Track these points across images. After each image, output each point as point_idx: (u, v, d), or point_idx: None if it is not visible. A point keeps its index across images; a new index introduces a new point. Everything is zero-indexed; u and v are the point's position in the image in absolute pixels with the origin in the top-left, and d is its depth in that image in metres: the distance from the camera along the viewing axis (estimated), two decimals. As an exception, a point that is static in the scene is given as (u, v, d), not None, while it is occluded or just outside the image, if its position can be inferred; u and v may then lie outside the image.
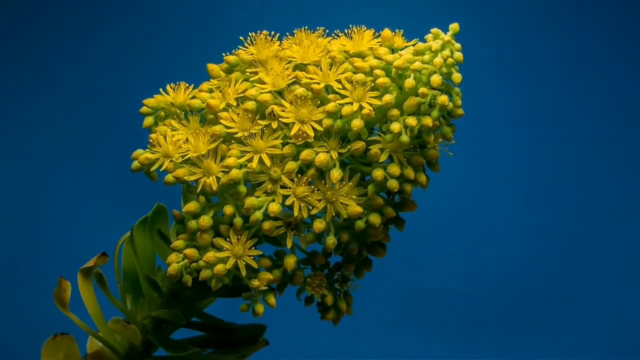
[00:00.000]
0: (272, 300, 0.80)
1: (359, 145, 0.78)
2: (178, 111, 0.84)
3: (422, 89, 0.77)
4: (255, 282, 0.79)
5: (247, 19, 1.67)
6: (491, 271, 1.68)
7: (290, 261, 0.80)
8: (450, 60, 0.79)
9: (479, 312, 1.67)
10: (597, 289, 1.68)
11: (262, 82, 0.81)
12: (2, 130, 1.65)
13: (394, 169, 0.78)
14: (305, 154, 0.77)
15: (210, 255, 0.78)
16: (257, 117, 0.79)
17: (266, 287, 0.79)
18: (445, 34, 0.80)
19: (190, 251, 0.78)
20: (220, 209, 0.79)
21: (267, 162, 0.78)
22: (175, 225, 0.87)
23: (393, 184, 0.78)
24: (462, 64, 0.79)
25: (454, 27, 0.80)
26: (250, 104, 0.80)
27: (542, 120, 1.73)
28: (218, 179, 0.78)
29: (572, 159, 1.72)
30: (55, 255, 1.61)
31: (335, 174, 0.77)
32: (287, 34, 0.85)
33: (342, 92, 0.78)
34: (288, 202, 0.77)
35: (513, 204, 1.71)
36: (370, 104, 0.78)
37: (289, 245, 0.79)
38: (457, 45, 0.80)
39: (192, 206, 0.80)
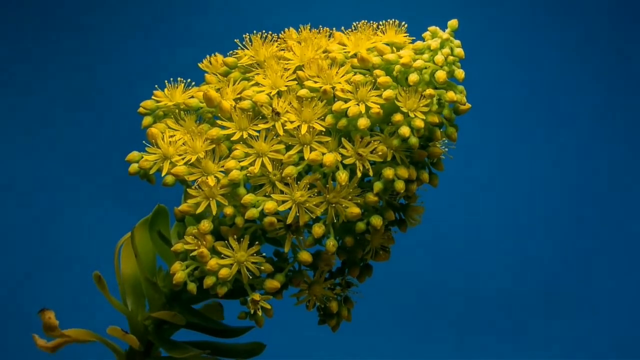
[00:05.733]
0: (270, 313, 0.80)
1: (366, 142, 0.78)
2: (177, 110, 0.84)
3: (429, 91, 0.77)
4: (257, 297, 0.79)
5: (246, 18, 1.67)
6: (491, 271, 1.67)
7: (304, 256, 0.79)
8: (451, 57, 0.78)
9: (478, 312, 1.67)
10: (598, 288, 1.68)
11: (260, 85, 0.81)
12: (1, 131, 1.65)
13: (402, 171, 0.78)
14: (315, 155, 0.77)
15: (213, 262, 0.78)
16: (259, 117, 0.79)
17: (268, 306, 0.79)
18: (444, 31, 0.79)
19: (204, 250, 0.78)
20: (220, 211, 0.79)
21: (269, 166, 0.77)
22: (176, 225, 0.87)
23: (399, 185, 0.78)
24: (464, 60, 0.79)
25: (453, 23, 0.80)
26: (246, 103, 0.79)
27: (543, 119, 1.72)
28: (218, 179, 0.78)
29: (573, 158, 1.72)
30: (56, 257, 1.61)
31: (343, 175, 0.77)
32: (287, 29, 0.85)
33: (346, 95, 0.78)
34: (284, 207, 0.77)
35: (513, 203, 1.70)
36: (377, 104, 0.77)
37: (286, 249, 0.79)
38: (457, 42, 0.79)
39: (186, 206, 0.79)
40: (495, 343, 1.65)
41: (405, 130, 0.76)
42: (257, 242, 0.78)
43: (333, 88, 0.78)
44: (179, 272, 0.79)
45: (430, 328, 1.66)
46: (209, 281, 0.78)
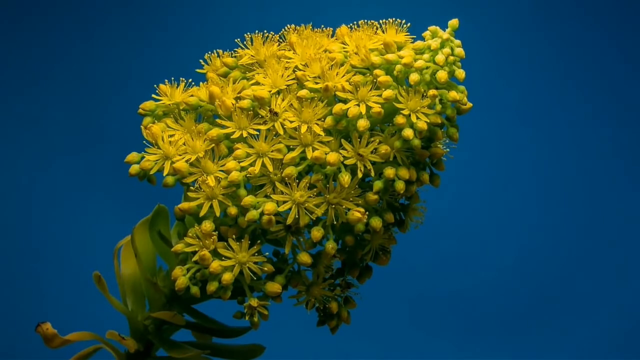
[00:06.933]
0: (266, 317, 0.80)
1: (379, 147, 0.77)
2: (176, 110, 0.84)
3: (432, 91, 0.76)
4: (254, 303, 0.79)
5: (247, 17, 1.67)
6: (493, 273, 1.67)
7: (304, 258, 0.79)
8: (451, 57, 0.78)
9: (481, 313, 1.67)
10: (600, 289, 1.68)
11: (260, 85, 0.80)
12: (0, 131, 1.65)
13: (403, 172, 0.77)
14: (318, 153, 0.76)
15: (216, 264, 0.77)
16: (259, 117, 0.79)
17: (266, 311, 0.79)
18: (444, 30, 0.79)
19: (206, 252, 0.78)
20: (222, 211, 0.79)
21: (270, 166, 0.77)
22: (176, 225, 0.87)
23: (400, 185, 0.78)
24: (464, 60, 0.79)
25: (453, 23, 0.80)
26: (246, 102, 0.79)
27: (544, 119, 1.72)
28: (218, 179, 0.78)
29: (574, 158, 1.72)
30: (56, 258, 1.61)
31: (346, 177, 0.76)
32: (288, 26, 0.85)
33: (347, 94, 0.77)
34: (284, 207, 0.77)
35: (514, 205, 1.70)
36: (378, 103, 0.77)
37: (287, 250, 0.78)
38: (457, 42, 0.79)
39: (188, 205, 0.79)
40: (495, 344, 1.65)
41: (408, 132, 0.76)
42: (258, 242, 0.78)
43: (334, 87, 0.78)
44: (180, 277, 0.79)
45: (429, 329, 1.66)
46: (212, 287, 0.78)
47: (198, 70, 0.86)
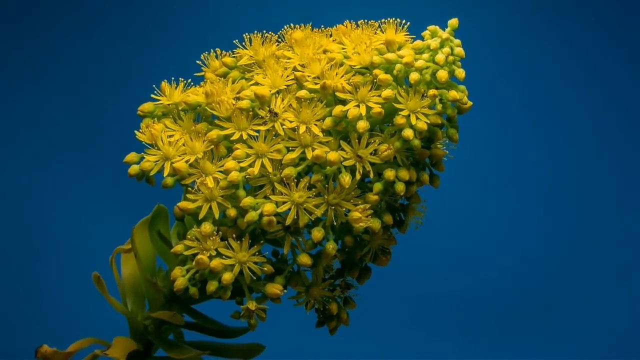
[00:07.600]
0: (263, 320, 0.80)
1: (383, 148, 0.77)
2: (175, 110, 0.84)
3: (432, 91, 0.76)
4: (252, 306, 0.78)
5: (246, 17, 1.67)
6: (493, 273, 1.67)
7: (304, 259, 0.79)
8: (451, 57, 0.78)
9: (481, 313, 1.67)
10: (600, 289, 1.67)
11: (259, 84, 0.80)
12: (0, 131, 1.65)
13: (403, 173, 0.77)
14: (319, 152, 0.76)
15: (217, 262, 0.77)
16: (258, 117, 0.79)
17: (263, 314, 0.79)
18: (444, 30, 0.79)
19: (203, 257, 0.77)
20: (221, 213, 0.79)
21: (269, 167, 0.77)
22: (176, 225, 0.87)
23: (400, 187, 0.77)
24: (464, 59, 0.79)
25: (453, 23, 0.80)
26: (245, 103, 0.79)
27: (544, 119, 1.72)
28: (217, 180, 0.77)
29: (574, 158, 1.72)
30: (56, 258, 1.61)
31: (347, 178, 0.76)
32: (287, 26, 0.85)
33: (346, 95, 0.77)
34: (283, 208, 0.76)
35: (514, 206, 1.70)
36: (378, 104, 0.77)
37: (286, 250, 0.78)
38: (457, 41, 0.79)
39: (187, 204, 0.79)
40: (495, 344, 1.65)
41: (408, 133, 0.76)
42: (261, 241, 0.78)
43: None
44: (180, 278, 0.79)
45: (429, 329, 1.66)
46: (212, 287, 0.77)
47: (197, 74, 0.86)
